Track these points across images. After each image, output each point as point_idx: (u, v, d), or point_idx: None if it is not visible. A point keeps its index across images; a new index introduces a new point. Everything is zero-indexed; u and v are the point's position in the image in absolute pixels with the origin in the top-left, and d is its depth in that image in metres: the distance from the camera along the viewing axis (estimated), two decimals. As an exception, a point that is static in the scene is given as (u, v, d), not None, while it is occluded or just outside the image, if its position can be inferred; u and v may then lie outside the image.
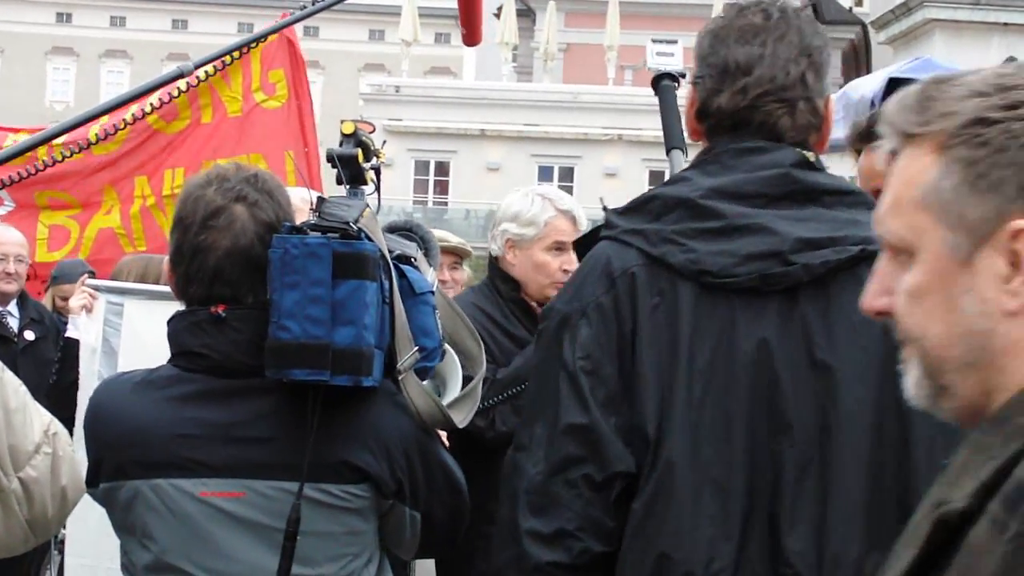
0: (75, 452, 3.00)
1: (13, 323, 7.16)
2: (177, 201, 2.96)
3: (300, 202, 4.83)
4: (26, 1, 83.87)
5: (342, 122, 3.11)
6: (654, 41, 3.88)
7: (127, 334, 4.92)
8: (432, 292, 3.07)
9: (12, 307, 7.18)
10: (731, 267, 2.54)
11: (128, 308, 4.97)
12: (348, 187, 3.10)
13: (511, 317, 4.59)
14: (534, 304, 4.63)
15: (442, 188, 47.45)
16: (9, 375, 2.84)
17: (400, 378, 2.91)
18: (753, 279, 2.54)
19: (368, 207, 2.92)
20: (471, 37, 4.75)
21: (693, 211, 2.59)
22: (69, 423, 4.96)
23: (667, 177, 2.99)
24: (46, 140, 3.67)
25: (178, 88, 3.86)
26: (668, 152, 3.83)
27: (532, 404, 2.68)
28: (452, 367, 3.28)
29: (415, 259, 3.11)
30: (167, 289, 5.44)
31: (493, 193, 42.65)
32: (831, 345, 2.52)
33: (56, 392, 5.34)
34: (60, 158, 3.57)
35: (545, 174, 46.22)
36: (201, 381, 2.82)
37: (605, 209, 2.77)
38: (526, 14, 51.77)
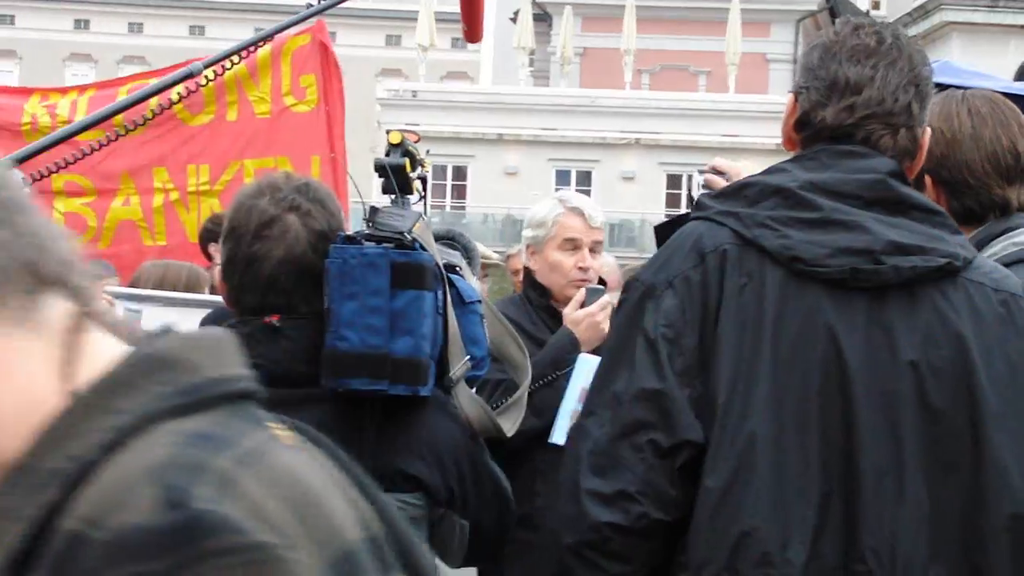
0: None
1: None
2: (228, 211, 2.97)
3: None
4: (44, 8, 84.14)
5: (388, 132, 3.12)
6: (700, 171, 3.84)
7: None
8: (480, 301, 3.10)
9: None
10: (823, 257, 2.54)
11: (146, 315, 4.98)
12: (394, 196, 3.10)
13: (539, 323, 4.54)
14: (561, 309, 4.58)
15: (460, 193, 47.45)
16: None
17: (452, 387, 2.93)
18: (844, 272, 2.54)
19: (422, 217, 2.95)
20: (472, 34, 4.76)
21: (790, 200, 2.60)
22: None
23: (684, 192, 2.98)
24: (73, 134, 3.68)
25: (205, 77, 3.86)
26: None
27: (606, 370, 2.65)
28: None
29: (460, 268, 3.13)
30: (186, 296, 5.51)
31: (511, 197, 42.69)
32: (911, 349, 2.53)
33: None
34: (98, 146, 3.59)
35: (562, 178, 46.18)
36: None
37: (696, 195, 2.78)
38: (543, 18, 51.74)
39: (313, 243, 2.84)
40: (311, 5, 4.00)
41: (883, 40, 2.71)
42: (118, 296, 5.15)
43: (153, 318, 4.99)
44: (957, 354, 2.53)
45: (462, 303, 3.00)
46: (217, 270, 6.33)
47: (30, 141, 6.86)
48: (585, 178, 46.36)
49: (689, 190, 3.82)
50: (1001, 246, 3.18)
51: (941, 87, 7.06)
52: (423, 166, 3.20)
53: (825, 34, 2.76)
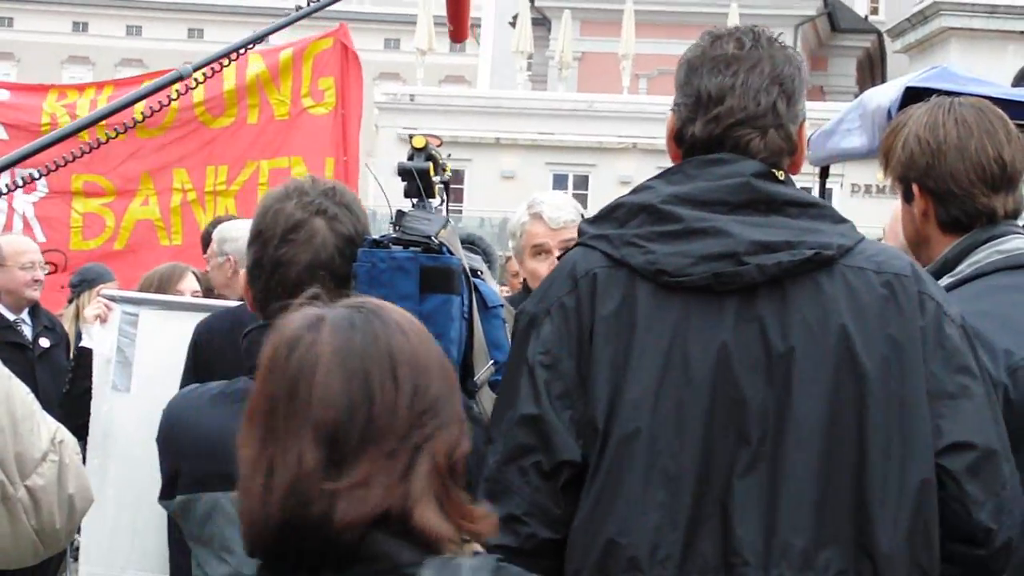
0: (84, 461, 2.98)
1: (27, 331, 7.14)
2: (255, 215, 2.97)
3: None
4: (43, 11, 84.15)
5: (411, 136, 3.14)
6: None
7: (142, 344, 4.95)
8: (502, 306, 3.12)
9: (24, 315, 7.15)
10: (686, 267, 2.62)
11: (143, 318, 4.99)
12: (417, 200, 3.10)
13: None
14: None
15: (457, 196, 47.42)
16: (16, 382, 2.83)
17: (475, 391, 2.94)
18: (707, 278, 2.61)
19: (449, 222, 2.95)
20: (458, 33, 4.79)
21: (654, 215, 2.68)
22: (82, 432, 4.98)
23: None
24: (91, 124, 3.66)
25: (195, 80, 3.87)
26: None
27: (500, 400, 2.76)
28: None
29: (482, 272, 3.15)
30: (182, 299, 5.52)
31: (508, 201, 42.61)
32: (786, 344, 2.58)
33: (69, 401, 5.35)
34: (105, 139, 3.60)
35: (560, 182, 46.15)
36: None
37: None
38: (541, 23, 51.72)
39: (340, 247, 2.84)
40: (300, 8, 3.98)
41: (743, 45, 2.80)
42: (115, 299, 5.15)
43: (150, 321, 5.00)
44: (838, 342, 2.58)
45: (485, 307, 3.02)
46: (215, 273, 6.35)
47: None
48: (582, 182, 46.33)
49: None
50: (985, 254, 3.21)
51: (943, 93, 7.06)
52: (445, 170, 3.20)
53: (691, 48, 2.86)
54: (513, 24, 49.87)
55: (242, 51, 4.02)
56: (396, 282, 2.78)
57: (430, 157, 3.14)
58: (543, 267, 4.58)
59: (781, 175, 2.74)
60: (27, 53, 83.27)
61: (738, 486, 2.57)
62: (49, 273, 7.12)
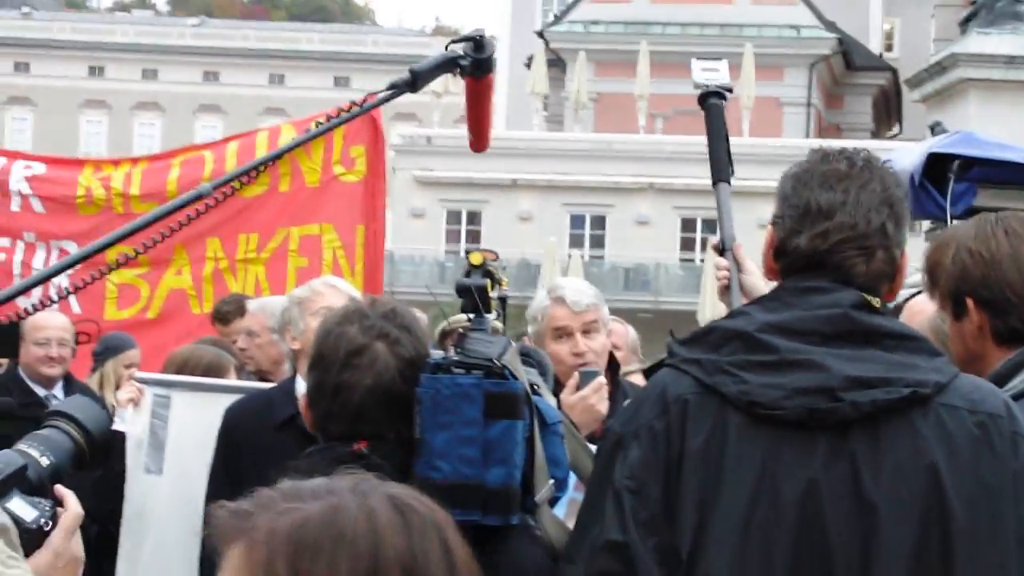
0: (118, 543, 2.96)
1: (59, 406, 7.08)
2: (315, 338, 3.00)
3: (323, 287, 4.83)
4: (59, 56, 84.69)
5: (468, 253, 3.19)
6: (698, 59, 3.90)
7: (174, 426, 4.97)
8: (561, 422, 3.10)
9: (58, 390, 7.05)
10: (780, 400, 2.59)
11: (175, 400, 5.01)
12: (475, 316, 3.12)
13: None
14: None
15: (474, 238, 47.45)
16: None
17: (534, 509, 2.92)
18: (800, 413, 2.58)
19: (511, 344, 2.96)
20: (479, 144, 4.78)
21: (748, 344, 2.66)
22: (116, 516, 4.98)
23: (701, 228, 3.02)
24: (109, 245, 3.70)
25: (215, 199, 3.92)
26: (714, 184, 3.80)
27: (581, 519, 2.75)
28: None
29: (539, 386, 3.14)
30: (214, 381, 5.52)
31: (525, 242, 42.70)
32: (877, 485, 2.55)
33: (103, 484, 5.32)
34: (134, 254, 3.67)
35: (577, 223, 46.21)
36: None
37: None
38: (556, 64, 51.88)
39: (402, 370, 2.85)
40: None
41: (854, 164, 2.76)
42: (146, 382, 5.17)
43: (182, 403, 5.01)
44: (928, 484, 2.54)
45: (544, 424, 3.00)
46: (260, 352, 6.32)
47: (84, 214, 7.00)
48: (599, 223, 46.38)
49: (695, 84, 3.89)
50: None
51: (965, 160, 6.97)
52: (502, 285, 3.24)
53: (798, 164, 2.83)
54: (528, 65, 50.05)
55: (262, 168, 4.03)
56: (460, 408, 2.78)
57: (487, 273, 3.17)
58: (564, 349, 4.61)
59: (877, 302, 2.71)
60: (44, 98, 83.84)
61: None
62: (82, 343, 7.11)
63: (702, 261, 37.83)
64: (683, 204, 43.19)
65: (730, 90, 3.89)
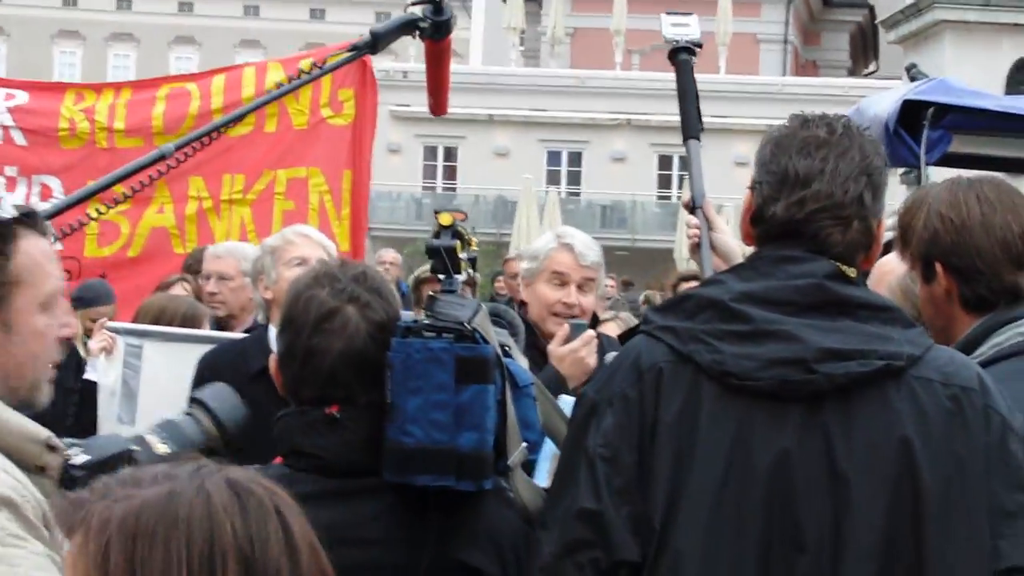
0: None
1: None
2: (285, 301, 2.98)
3: (296, 236, 4.81)
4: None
5: (437, 213, 3.14)
6: (668, 13, 3.89)
7: (146, 376, 4.96)
8: (533, 384, 3.11)
9: None
10: (753, 371, 2.59)
11: (147, 350, 5.00)
12: (444, 277, 3.11)
13: (527, 361, 4.54)
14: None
15: (450, 174, 47.40)
16: None
17: (507, 472, 2.92)
18: (773, 384, 2.58)
19: (481, 307, 2.94)
20: (438, 108, 4.75)
21: (723, 313, 2.65)
22: None
23: (677, 165, 3.02)
24: (88, 197, 3.70)
25: (176, 159, 3.89)
26: (685, 141, 3.81)
27: (555, 486, 2.76)
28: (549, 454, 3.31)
29: (510, 347, 3.16)
30: (186, 332, 5.51)
31: (502, 179, 42.65)
32: (849, 457, 2.55)
33: (76, 434, 5.34)
34: (97, 215, 3.67)
35: (553, 159, 46.15)
36: (312, 481, 2.78)
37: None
38: (533, -2, 51.66)
39: (372, 334, 2.83)
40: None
41: (834, 131, 2.75)
42: (119, 331, 5.15)
43: (153, 353, 4.99)
44: (900, 457, 2.55)
45: (516, 387, 2.99)
46: (232, 296, 6.30)
47: (66, 147, 6.92)
48: (576, 159, 46.35)
49: (663, 37, 3.91)
50: (1008, 335, 3.18)
51: (939, 107, 6.99)
52: (471, 245, 3.20)
53: (778, 128, 2.81)
54: (505, 0, 49.76)
55: (222, 130, 4.02)
56: (431, 373, 2.77)
57: (456, 234, 3.14)
58: (555, 295, 4.62)
59: (853, 273, 2.71)
60: (16, 28, 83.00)
61: None
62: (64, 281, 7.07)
63: (679, 199, 37.83)
64: (660, 141, 43.13)
65: (700, 45, 3.88)
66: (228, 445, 2.58)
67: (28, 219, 2.50)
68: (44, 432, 2.46)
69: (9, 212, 2.51)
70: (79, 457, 2.32)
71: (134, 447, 2.40)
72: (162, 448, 2.47)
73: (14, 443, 2.58)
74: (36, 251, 2.52)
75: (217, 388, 2.79)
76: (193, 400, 2.60)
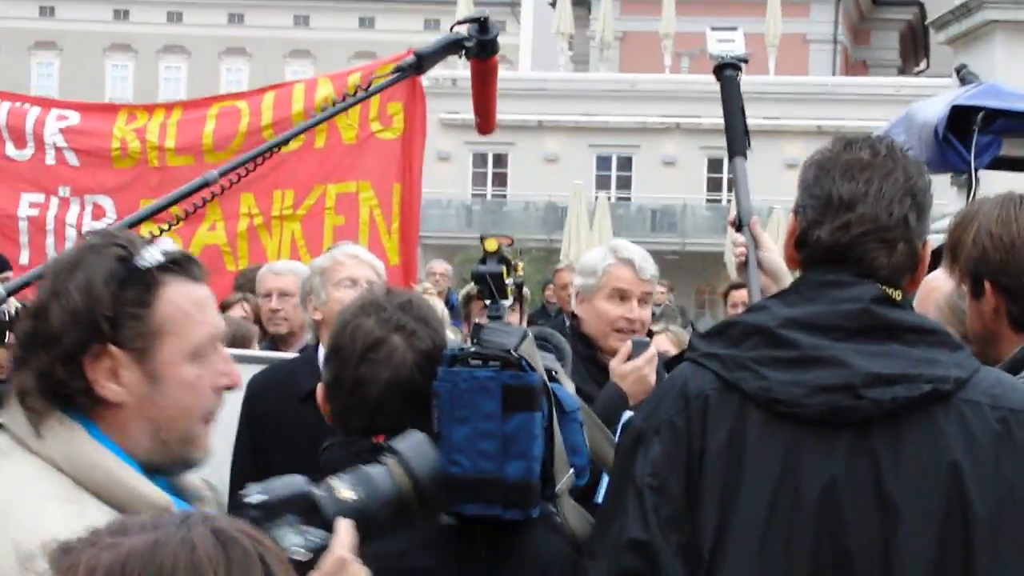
0: None
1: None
2: (332, 330, 2.98)
3: (344, 257, 4.80)
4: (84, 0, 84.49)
5: (483, 239, 3.15)
6: (713, 29, 3.88)
7: None
8: (579, 408, 3.10)
9: None
10: (801, 397, 2.57)
11: None
12: (490, 302, 3.11)
13: (584, 375, 4.45)
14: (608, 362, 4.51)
15: (500, 181, 47.37)
16: None
17: (555, 498, 2.92)
18: (822, 411, 2.57)
19: (528, 333, 2.93)
20: (485, 127, 4.73)
21: (770, 339, 2.64)
22: None
23: (726, 176, 3.00)
24: (138, 222, 3.72)
25: (221, 186, 3.89)
26: (731, 159, 3.80)
27: (607, 514, 2.74)
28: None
29: (557, 372, 3.13)
30: (236, 352, 5.45)
31: (552, 184, 42.60)
32: (898, 482, 2.54)
33: None
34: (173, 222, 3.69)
35: (603, 164, 46.06)
36: None
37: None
38: (582, 3, 51.58)
39: (419, 363, 2.85)
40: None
41: (877, 152, 2.73)
42: None
43: None
44: (949, 482, 2.52)
45: (562, 412, 2.99)
46: (294, 312, 6.29)
47: (119, 167, 6.96)
48: (626, 163, 46.24)
49: (705, 51, 3.90)
50: None
51: (989, 112, 6.92)
52: (517, 271, 3.21)
53: (821, 151, 2.79)
54: (553, 5, 49.72)
55: (267, 154, 4.02)
56: (478, 402, 2.77)
57: (503, 260, 3.14)
58: (617, 311, 4.59)
59: (899, 296, 2.70)
60: (69, 42, 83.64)
61: None
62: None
63: (729, 202, 37.69)
64: (710, 144, 42.95)
65: (746, 61, 3.86)
66: (421, 500, 2.46)
67: (175, 265, 2.44)
68: (165, 499, 2.40)
69: (155, 258, 2.42)
70: (255, 496, 2.27)
71: (316, 490, 2.33)
72: (347, 494, 2.37)
73: (131, 504, 2.51)
74: (183, 298, 2.42)
75: (414, 438, 2.58)
76: (388, 449, 2.51)
